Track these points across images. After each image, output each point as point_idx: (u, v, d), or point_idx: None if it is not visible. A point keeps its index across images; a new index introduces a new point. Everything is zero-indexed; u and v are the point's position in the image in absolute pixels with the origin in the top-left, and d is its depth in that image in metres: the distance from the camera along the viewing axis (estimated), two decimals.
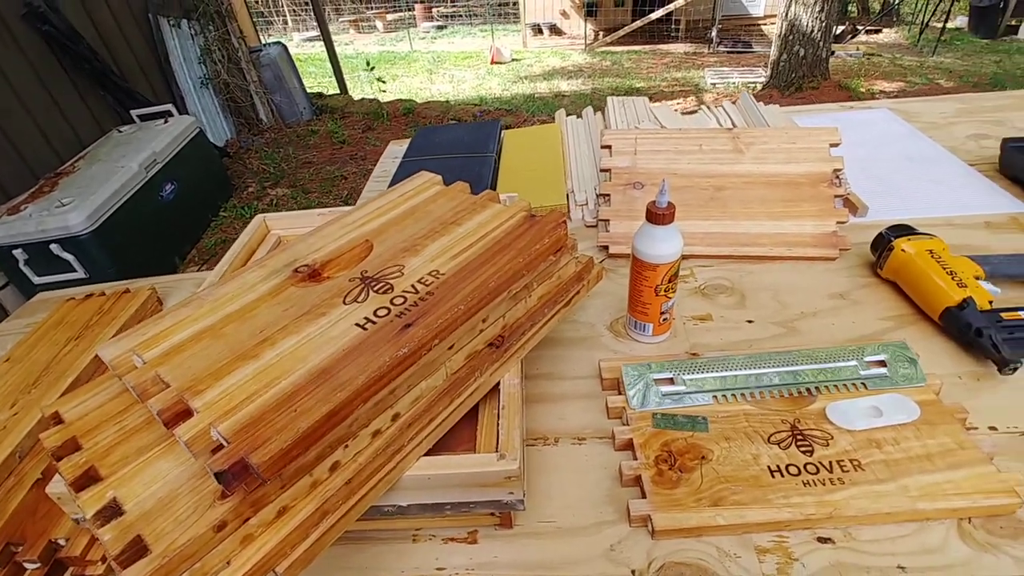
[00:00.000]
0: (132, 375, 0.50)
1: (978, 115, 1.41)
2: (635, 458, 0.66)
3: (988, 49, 6.42)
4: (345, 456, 0.49)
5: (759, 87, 5.34)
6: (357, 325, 0.52)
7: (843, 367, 0.74)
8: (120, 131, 2.96)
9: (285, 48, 4.24)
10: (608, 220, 1.03)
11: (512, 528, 0.62)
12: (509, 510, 0.58)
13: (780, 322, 0.86)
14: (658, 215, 0.72)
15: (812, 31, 4.68)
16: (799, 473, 0.63)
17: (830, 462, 0.63)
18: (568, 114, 1.51)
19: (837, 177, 1.00)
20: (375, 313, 0.54)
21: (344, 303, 0.56)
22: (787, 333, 0.84)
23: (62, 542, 0.63)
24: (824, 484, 0.61)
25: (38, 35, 2.74)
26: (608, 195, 1.04)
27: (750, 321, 0.86)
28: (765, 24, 8.52)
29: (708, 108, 1.38)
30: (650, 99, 1.45)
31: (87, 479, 0.48)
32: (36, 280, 2.35)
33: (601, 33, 8.55)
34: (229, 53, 3.79)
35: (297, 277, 0.61)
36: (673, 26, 8.52)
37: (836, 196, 0.98)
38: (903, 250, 0.87)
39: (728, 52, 7.15)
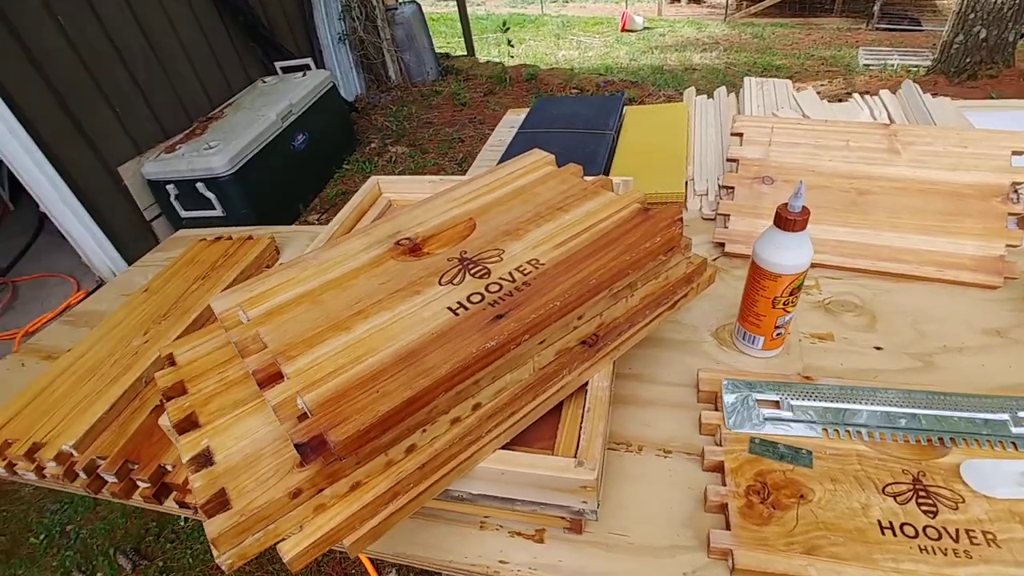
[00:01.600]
0: (236, 331, 0.53)
1: None
2: (724, 483, 0.61)
3: None
4: (422, 440, 0.49)
5: (922, 71, 4.72)
6: (449, 309, 0.51)
7: (991, 419, 0.63)
8: (264, 81, 3.17)
9: (419, 7, 4.31)
10: (728, 215, 0.95)
11: (581, 534, 0.59)
12: (580, 517, 0.56)
13: (916, 354, 0.75)
14: (789, 220, 0.65)
15: (1001, 8, 4.04)
16: (916, 535, 0.55)
17: (957, 530, 0.55)
18: (698, 92, 1.41)
19: (1016, 192, 0.84)
20: (468, 299, 0.52)
21: (440, 284, 0.55)
22: (922, 368, 0.73)
23: (169, 467, 0.69)
24: (945, 554, 0.53)
25: None
26: (732, 188, 0.95)
27: (879, 348, 0.77)
28: None
29: (861, 97, 1.22)
30: (792, 79, 1.31)
31: (188, 423, 0.51)
32: (183, 214, 2.61)
33: (745, 3, 7.93)
34: (367, 11, 3.91)
35: (398, 250, 0.61)
36: None
37: (1011, 214, 0.83)
38: None
39: (890, 29, 6.37)
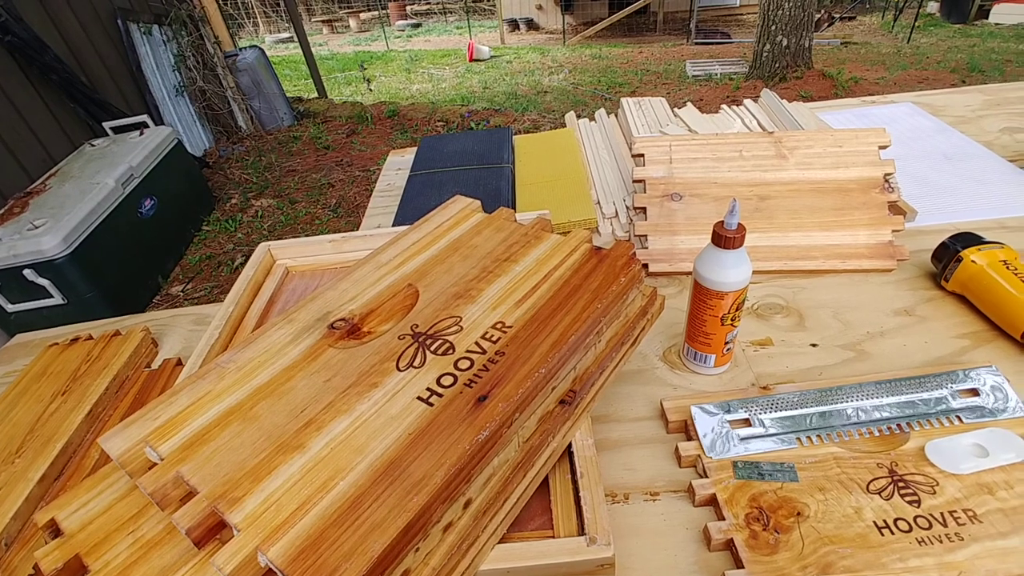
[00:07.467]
0: (148, 478, 0.41)
1: (1006, 107, 1.36)
2: (722, 517, 0.58)
3: (961, 34, 6.51)
4: (415, 562, 0.41)
5: (742, 78, 5.31)
6: (420, 399, 0.44)
7: (932, 398, 0.67)
8: (93, 145, 2.80)
9: (263, 52, 4.09)
10: (645, 236, 0.95)
11: None
12: None
13: (847, 344, 0.79)
14: (727, 238, 0.64)
15: (795, 18, 4.66)
16: (910, 529, 0.55)
17: (942, 513, 0.56)
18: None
19: (887, 182, 0.93)
20: (438, 382, 0.45)
21: (398, 368, 0.47)
22: (857, 357, 0.77)
23: None
24: (941, 541, 0.54)
25: (1, 47, 2.57)
26: (644, 208, 0.96)
27: (814, 344, 0.79)
28: (743, 14, 8.54)
29: (729, 108, 1.31)
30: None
31: None
32: (10, 308, 2.21)
33: (579, 27, 8.49)
34: (204, 59, 3.63)
35: (334, 335, 0.52)
36: (650, 19, 8.50)
37: (889, 202, 0.91)
38: (973, 261, 0.80)
39: (706, 43, 7.12)
